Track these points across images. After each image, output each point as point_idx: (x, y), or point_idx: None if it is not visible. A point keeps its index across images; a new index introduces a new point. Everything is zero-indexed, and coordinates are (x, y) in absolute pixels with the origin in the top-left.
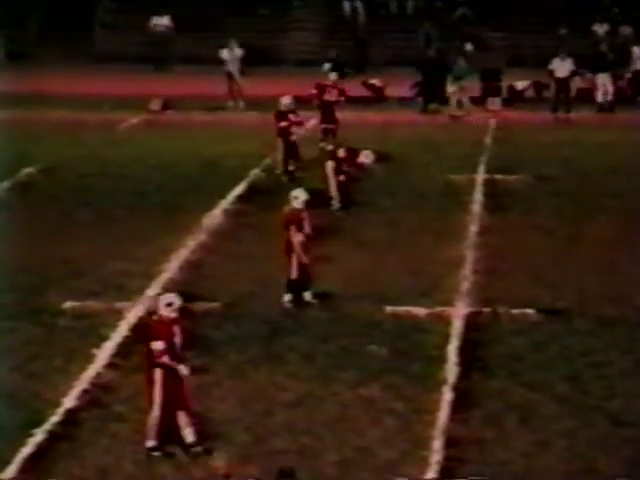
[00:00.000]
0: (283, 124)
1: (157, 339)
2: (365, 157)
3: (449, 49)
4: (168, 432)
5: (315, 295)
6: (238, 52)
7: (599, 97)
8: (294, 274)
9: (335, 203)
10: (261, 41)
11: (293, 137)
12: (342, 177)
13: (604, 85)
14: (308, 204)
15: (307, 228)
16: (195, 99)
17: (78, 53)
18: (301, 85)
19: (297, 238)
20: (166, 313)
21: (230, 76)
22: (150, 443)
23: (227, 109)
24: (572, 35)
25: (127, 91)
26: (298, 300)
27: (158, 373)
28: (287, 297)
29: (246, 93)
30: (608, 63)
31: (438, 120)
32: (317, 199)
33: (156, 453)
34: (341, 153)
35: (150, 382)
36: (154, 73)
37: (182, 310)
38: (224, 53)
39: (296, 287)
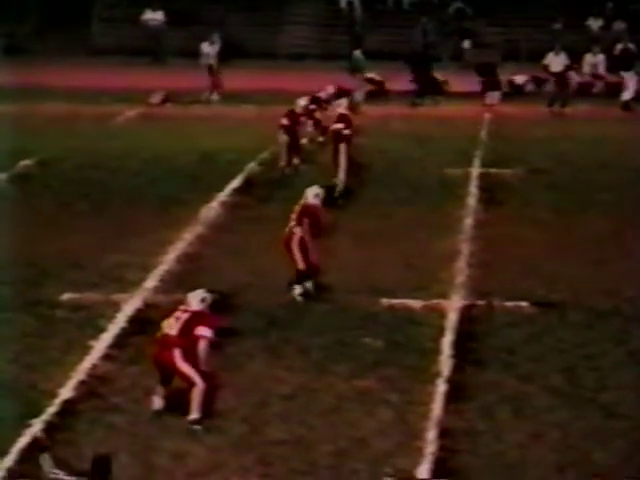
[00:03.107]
0: (285, 122)
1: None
2: (338, 106)
3: (441, 43)
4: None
5: (306, 289)
6: (218, 45)
7: (625, 95)
8: (302, 265)
9: (340, 184)
10: (257, 35)
11: (299, 135)
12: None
13: (633, 83)
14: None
15: (320, 224)
16: (191, 93)
17: (75, 46)
18: (297, 80)
19: (308, 233)
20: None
21: (211, 69)
22: (195, 415)
23: (202, 101)
24: (566, 30)
25: (123, 84)
26: (307, 292)
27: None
28: (297, 289)
29: (229, 87)
30: (633, 61)
31: (433, 113)
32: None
33: (198, 426)
34: (345, 131)
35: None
36: (150, 66)
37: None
38: (205, 46)
39: (306, 278)
